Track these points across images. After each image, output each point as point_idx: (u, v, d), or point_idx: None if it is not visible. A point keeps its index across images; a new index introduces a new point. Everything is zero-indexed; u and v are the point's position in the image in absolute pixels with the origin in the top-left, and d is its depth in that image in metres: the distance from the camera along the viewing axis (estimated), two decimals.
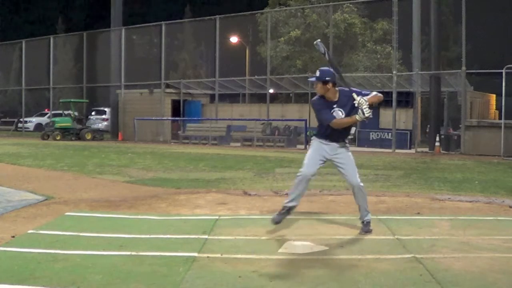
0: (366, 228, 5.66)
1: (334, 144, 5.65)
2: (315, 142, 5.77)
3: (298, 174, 5.70)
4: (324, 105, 5.56)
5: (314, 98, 5.72)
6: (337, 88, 5.57)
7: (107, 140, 27.19)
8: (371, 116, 5.37)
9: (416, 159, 16.64)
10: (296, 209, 6.97)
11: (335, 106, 5.53)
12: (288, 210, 5.72)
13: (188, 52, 36.25)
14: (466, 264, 4.51)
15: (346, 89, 5.61)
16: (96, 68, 31.40)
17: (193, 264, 4.48)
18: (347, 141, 5.79)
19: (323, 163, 5.73)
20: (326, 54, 5.62)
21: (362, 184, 5.72)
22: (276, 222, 5.71)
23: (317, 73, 5.54)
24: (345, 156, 5.69)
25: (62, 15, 52.73)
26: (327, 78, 5.48)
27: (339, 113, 5.52)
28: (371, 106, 5.37)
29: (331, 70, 5.57)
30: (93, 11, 54.07)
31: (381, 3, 23.40)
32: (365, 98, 5.39)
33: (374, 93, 5.59)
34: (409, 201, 7.82)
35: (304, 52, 28.09)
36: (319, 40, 5.75)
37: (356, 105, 5.37)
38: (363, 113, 5.33)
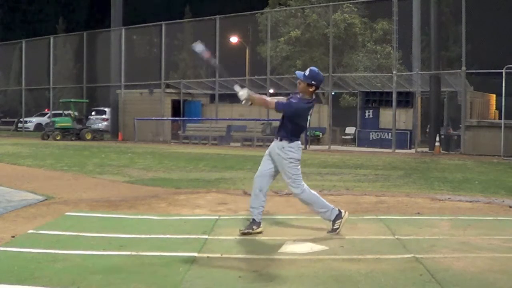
0: (333, 227, 5.58)
1: (275, 140, 5.65)
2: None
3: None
4: (290, 98, 5.61)
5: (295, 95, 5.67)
6: (313, 97, 5.59)
7: (107, 140, 27.19)
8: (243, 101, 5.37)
9: (416, 159, 16.64)
10: (296, 209, 7.00)
11: (291, 96, 5.62)
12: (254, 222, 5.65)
13: (188, 52, 36.22)
14: (466, 264, 4.51)
15: (296, 99, 5.55)
16: (96, 68, 31.41)
17: (193, 264, 4.48)
18: (286, 141, 5.50)
19: (270, 163, 5.69)
20: (204, 54, 5.61)
21: (295, 191, 5.62)
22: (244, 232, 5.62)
23: (307, 72, 5.51)
24: (279, 160, 5.56)
25: (62, 15, 52.71)
26: (313, 82, 5.47)
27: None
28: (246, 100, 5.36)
29: (321, 74, 5.55)
30: (93, 11, 54.08)
31: (381, 3, 23.40)
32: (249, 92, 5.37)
33: (264, 97, 5.73)
34: (409, 201, 7.82)
35: (304, 52, 28.10)
36: (199, 41, 5.70)
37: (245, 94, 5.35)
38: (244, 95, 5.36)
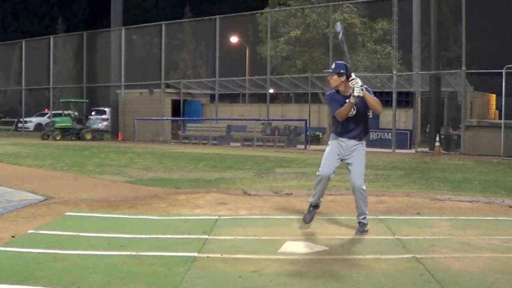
0: (362, 228, 5.66)
1: (351, 142, 5.65)
2: (332, 140, 5.81)
3: (317, 173, 5.81)
4: (335, 98, 5.61)
5: (329, 92, 5.79)
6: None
7: (107, 140, 27.19)
8: (361, 95, 5.33)
9: (416, 159, 16.64)
10: (296, 209, 7.00)
11: (347, 100, 5.52)
12: (314, 207, 5.89)
13: (188, 52, 36.26)
14: (466, 264, 4.51)
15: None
16: (96, 68, 31.41)
17: (193, 264, 4.48)
18: (365, 140, 5.73)
19: (339, 161, 5.75)
20: (341, 34, 5.74)
21: (364, 187, 5.71)
22: (307, 221, 5.84)
23: (333, 66, 5.63)
24: (357, 155, 5.67)
25: (62, 15, 52.71)
26: (341, 71, 5.54)
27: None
28: (362, 87, 5.35)
29: (346, 64, 5.61)
30: (93, 11, 54.08)
31: (381, 3, 23.39)
32: (361, 84, 5.37)
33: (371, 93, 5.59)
34: (409, 201, 7.82)
35: (304, 52, 28.09)
36: (339, 22, 5.82)
37: (350, 85, 5.37)
38: (353, 91, 5.32)
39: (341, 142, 5.67)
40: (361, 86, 5.33)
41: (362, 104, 5.48)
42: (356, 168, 5.66)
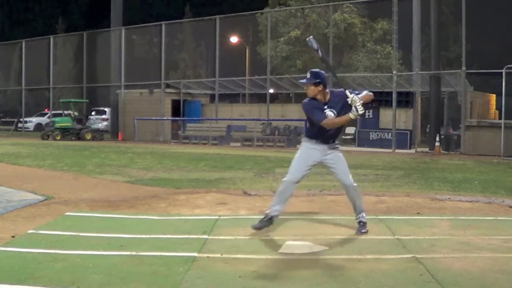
0: (362, 228, 5.66)
1: (324, 146, 5.61)
2: (303, 145, 5.74)
3: (283, 179, 5.70)
4: (316, 106, 5.53)
5: (305, 100, 5.66)
6: (327, 90, 5.57)
7: (107, 140, 27.18)
8: (364, 114, 5.39)
9: (416, 159, 16.64)
10: (296, 209, 7.00)
11: (325, 107, 5.49)
12: (270, 219, 5.65)
13: (188, 52, 36.26)
14: (466, 264, 4.51)
15: (338, 89, 5.59)
16: (96, 68, 31.41)
17: (193, 264, 4.48)
18: (337, 142, 5.77)
19: (310, 168, 5.69)
20: (319, 51, 5.57)
21: (355, 184, 5.73)
22: (257, 228, 5.62)
23: (308, 75, 5.51)
24: (335, 157, 5.66)
25: (62, 15, 52.72)
26: (317, 80, 5.46)
27: (330, 114, 5.48)
28: (364, 104, 5.34)
29: (321, 71, 5.55)
30: (93, 11, 54.06)
31: (381, 3, 23.39)
32: (359, 96, 5.37)
33: (365, 92, 5.58)
34: (409, 201, 7.82)
35: (304, 52, 28.05)
36: (311, 36, 5.74)
37: (349, 102, 5.34)
38: (357, 110, 5.30)
39: (313, 149, 5.61)
40: (361, 102, 5.30)
41: (339, 105, 5.47)
42: (340, 167, 5.66)
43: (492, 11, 21.44)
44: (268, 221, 5.63)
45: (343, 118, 5.42)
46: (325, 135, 5.58)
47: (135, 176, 10.97)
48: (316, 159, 5.63)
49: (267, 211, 5.69)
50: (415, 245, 5.12)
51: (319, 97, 5.51)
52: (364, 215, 5.73)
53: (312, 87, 5.48)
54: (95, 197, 8.11)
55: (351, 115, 5.34)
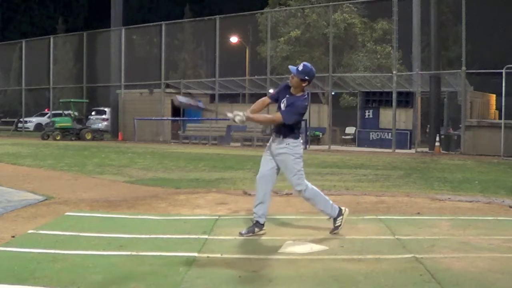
0: (335, 225, 5.62)
1: (277, 139, 5.56)
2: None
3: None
4: (279, 90, 5.63)
5: (284, 84, 5.70)
6: (305, 91, 5.58)
7: (107, 140, 27.19)
8: (237, 123, 5.47)
9: (416, 159, 16.64)
10: (296, 209, 7.00)
11: (286, 98, 5.49)
12: (260, 225, 5.60)
13: (188, 52, 36.25)
14: (466, 264, 4.51)
15: (304, 98, 5.53)
16: (96, 68, 31.40)
17: (193, 264, 4.48)
18: (291, 138, 5.49)
19: (271, 161, 5.65)
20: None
21: (299, 188, 5.58)
22: (243, 233, 5.55)
23: (300, 67, 5.50)
24: (283, 158, 5.54)
25: (62, 15, 52.71)
26: (306, 78, 5.47)
27: (281, 105, 5.52)
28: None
29: (314, 70, 5.54)
30: (93, 11, 54.08)
31: (381, 3, 23.39)
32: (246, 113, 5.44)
33: (263, 116, 5.73)
34: (409, 201, 7.82)
35: (304, 52, 28.07)
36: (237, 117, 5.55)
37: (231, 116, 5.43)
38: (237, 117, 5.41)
39: (271, 141, 5.65)
40: (240, 120, 5.40)
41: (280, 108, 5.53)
42: (285, 169, 5.60)
43: (492, 11, 21.43)
44: (256, 228, 5.60)
45: (260, 116, 5.69)
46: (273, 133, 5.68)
47: (135, 176, 10.97)
48: (271, 152, 5.64)
49: (257, 219, 5.65)
50: (415, 245, 5.12)
51: (296, 90, 5.51)
52: (331, 212, 5.67)
53: (297, 81, 5.47)
54: (95, 197, 8.11)
55: (234, 117, 5.41)
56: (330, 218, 5.68)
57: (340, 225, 5.60)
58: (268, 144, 5.75)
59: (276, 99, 5.61)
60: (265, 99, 5.69)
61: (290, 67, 5.58)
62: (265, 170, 5.65)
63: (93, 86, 31.46)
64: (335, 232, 5.58)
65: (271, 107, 5.85)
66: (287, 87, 5.59)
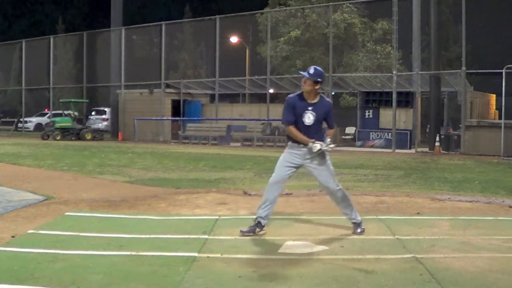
0: (357, 228, 5.66)
1: (304, 149, 5.56)
2: (286, 149, 5.74)
3: (269, 180, 5.75)
4: (296, 106, 5.53)
5: (291, 95, 5.69)
6: (320, 93, 5.61)
7: (107, 140, 27.19)
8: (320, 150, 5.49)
9: (416, 159, 16.64)
10: (296, 209, 7.00)
11: (310, 108, 5.50)
12: (260, 225, 5.63)
13: (188, 52, 36.23)
14: (466, 264, 4.51)
15: (328, 99, 5.74)
16: (96, 68, 31.39)
17: (193, 264, 4.48)
18: (323, 141, 5.57)
19: (293, 170, 5.69)
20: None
21: (339, 187, 5.67)
22: (244, 231, 5.59)
23: (311, 70, 5.51)
24: (318, 160, 5.57)
25: (62, 15, 52.71)
26: (319, 80, 5.48)
27: (310, 116, 5.49)
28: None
29: (323, 72, 5.58)
30: (93, 11, 54.08)
31: (381, 3, 23.39)
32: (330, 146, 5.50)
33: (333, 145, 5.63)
34: (409, 201, 7.83)
35: (304, 52, 28.07)
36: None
37: (327, 142, 5.45)
38: (315, 149, 5.44)
39: (294, 152, 5.62)
40: (318, 150, 5.45)
41: (322, 114, 5.54)
42: (322, 170, 5.60)
43: (492, 11, 21.42)
44: (257, 228, 5.62)
45: (305, 139, 5.48)
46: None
47: (135, 176, 10.97)
48: (295, 161, 5.64)
49: (259, 216, 5.67)
50: (415, 245, 5.12)
51: (312, 94, 5.52)
52: (357, 216, 5.73)
53: (310, 83, 5.48)
54: (95, 197, 8.11)
55: (316, 145, 5.40)
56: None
57: (364, 230, 5.67)
58: (291, 151, 5.66)
59: (294, 116, 5.52)
60: (293, 128, 5.52)
61: (301, 72, 5.62)
62: (283, 176, 5.68)
63: (93, 86, 31.46)
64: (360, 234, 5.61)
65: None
66: (299, 98, 5.56)
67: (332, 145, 5.48)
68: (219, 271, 4.33)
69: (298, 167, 5.68)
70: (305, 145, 5.49)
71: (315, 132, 5.54)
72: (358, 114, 25.28)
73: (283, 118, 5.61)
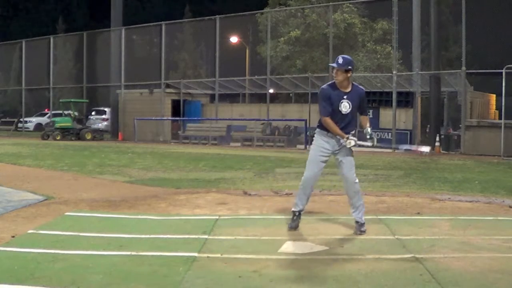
0: (360, 228, 5.67)
1: (336, 138, 5.63)
2: (316, 138, 5.78)
3: (303, 177, 5.77)
4: (332, 97, 5.57)
5: (324, 86, 5.75)
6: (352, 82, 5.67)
7: (107, 140, 27.18)
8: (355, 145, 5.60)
9: (416, 159, 16.63)
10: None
11: (345, 97, 5.57)
12: (298, 215, 5.79)
13: (188, 52, 36.23)
14: (466, 264, 4.51)
15: (360, 87, 5.78)
16: (96, 68, 31.39)
17: (193, 264, 4.48)
18: (350, 135, 5.66)
19: (325, 160, 5.74)
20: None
21: (357, 180, 5.76)
22: (293, 227, 5.76)
23: (340, 60, 5.57)
24: (346, 150, 5.67)
25: (62, 15, 52.69)
26: (349, 67, 5.54)
27: (346, 105, 5.57)
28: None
29: (351, 58, 5.66)
30: (93, 11, 54.07)
31: (381, 3, 23.39)
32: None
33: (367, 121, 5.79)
34: (409, 201, 7.82)
35: (304, 52, 28.07)
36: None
37: (368, 136, 5.65)
38: (370, 140, 5.67)
39: (325, 140, 5.66)
40: (353, 146, 5.56)
41: (357, 102, 5.61)
42: (347, 160, 5.67)
43: (492, 11, 21.42)
44: (297, 218, 5.80)
45: (340, 133, 5.54)
46: (341, 128, 5.60)
47: (135, 176, 10.97)
48: (327, 151, 5.68)
49: (292, 209, 5.84)
50: (415, 245, 5.12)
51: (345, 83, 5.57)
52: (362, 216, 5.73)
53: (341, 72, 5.53)
54: (95, 197, 8.11)
55: (350, 141, 5.48)
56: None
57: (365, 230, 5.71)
58: (321, 138, 5.71)
59: (330, 106, 5.56)
60: (330, 120, 5.56)
61: (331, 64, 5.74)
62: (319, 170, 5.76)
63: (93, 86, 31.45)
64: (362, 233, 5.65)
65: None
66: (332, 88, 5.61)
67: (374, 138, 5.69)
68: (219, 271, 4.33)
69: (330, 155, 5.72)
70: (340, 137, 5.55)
71: (350, 119, 5.64)
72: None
73: (320, 110, 5.64)
